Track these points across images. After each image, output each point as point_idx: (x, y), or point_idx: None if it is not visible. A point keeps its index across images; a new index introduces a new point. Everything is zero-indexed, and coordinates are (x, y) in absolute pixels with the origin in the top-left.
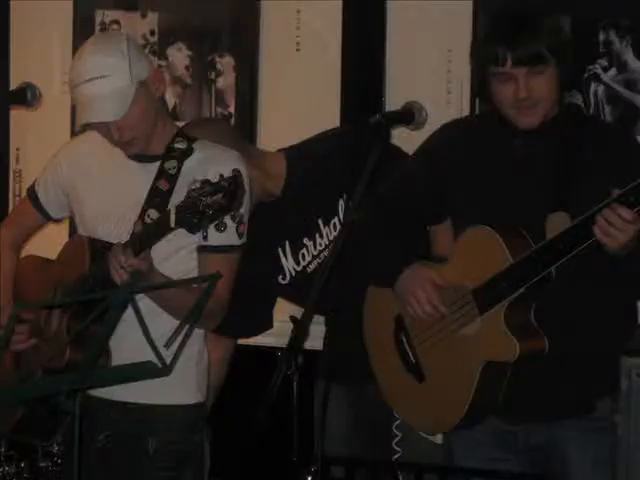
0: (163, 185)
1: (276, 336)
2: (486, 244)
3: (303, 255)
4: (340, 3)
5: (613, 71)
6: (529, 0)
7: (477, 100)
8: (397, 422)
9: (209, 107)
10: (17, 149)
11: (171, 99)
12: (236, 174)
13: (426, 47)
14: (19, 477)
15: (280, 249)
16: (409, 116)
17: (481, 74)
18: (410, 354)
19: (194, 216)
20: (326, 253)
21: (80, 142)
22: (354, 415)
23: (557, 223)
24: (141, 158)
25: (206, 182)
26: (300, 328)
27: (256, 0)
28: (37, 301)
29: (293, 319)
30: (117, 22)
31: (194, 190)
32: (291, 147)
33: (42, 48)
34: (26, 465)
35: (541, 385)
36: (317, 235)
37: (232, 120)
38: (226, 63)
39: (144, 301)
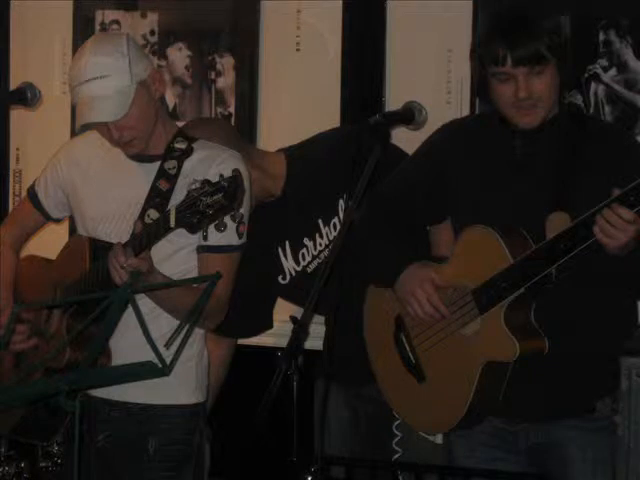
0: (163, 185)
1: (276, 336)
2: (486, 244)
3: (303, 255)
4: (340, 3)
5: (613, 71)
6: (529, 0)
7: (477, 100)
8: (397, 422)
9: (209, 107)
10: (17, 149)
11: (171, 99)
12: (236, 174)
13: (426, 47)
14: (19, 477)
15: (280, 249)
16: (409, 116)
17: (481, 74)
18: (410, 354)
19: (194, 216)
20: (326, 253)
21: (80, 142)
22: (354, 415)
23: (557, 223)
24: (141, 158)
25: (206, 182)
26: (300, 328)
27: (256, 0)
28: (37, 301)
29: (293, 319)
30: (117, 22)
31: (194, 190)
32: (291, 147)
33: (42, 48)
34: (26, 465)
35: (541, 385)
36: (317, 235)
37: (232, 120)
38: (226, 63)
39: (144, 301)
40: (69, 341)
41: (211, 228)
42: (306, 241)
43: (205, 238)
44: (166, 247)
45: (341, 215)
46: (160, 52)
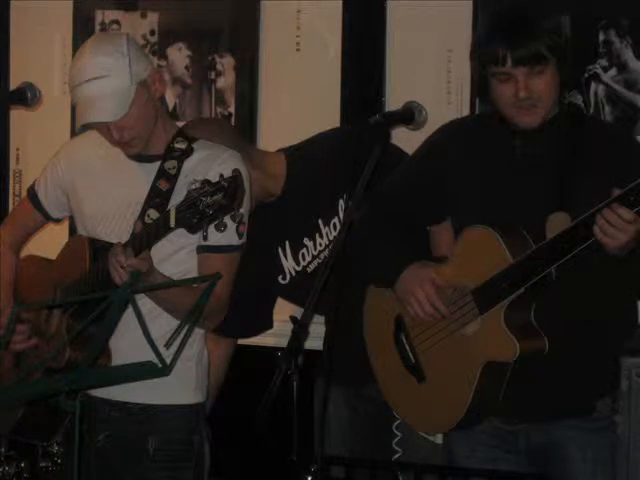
0: (163, 185)
1: (276, 336)
2: (486, 244)
3: (303, 255)
4: (340, 3)
5: (613, 71)
6: (529, 0)
7: (477, 100)
8: (397, 422)
9: (209, 107)
10: (17, 149)
11: (171, 99)
12: (236, 174)
13: (426, 47)
14: (19, 477)
15: (280, 249)
16: (409, 116)
17: (481, 74)
18: (410, 354)
19: (194, 216)
20: (326, 253)
21: (80, 142)
22: (354, 415)
23: (557, 223)
24: (141, 158)
25: (206, 182)
26: (300, 328)
27: (256, 0)
28: (37, 301)
29: (293, 319)
30: (117, 22)
31: (194, 190)
32: (291, 147)
33: (42, 48)
34: (26, 465)
35: (541, 385)
36: (317, 235)
37: (232, 120)
38: (226, 63)
39: (144, 301)
40: (69, 341)
41: (211, 228)
42: (306, 241)
43: (205, 238)
44: (166, 247)
45: (341, 215)
46: (160, 52)
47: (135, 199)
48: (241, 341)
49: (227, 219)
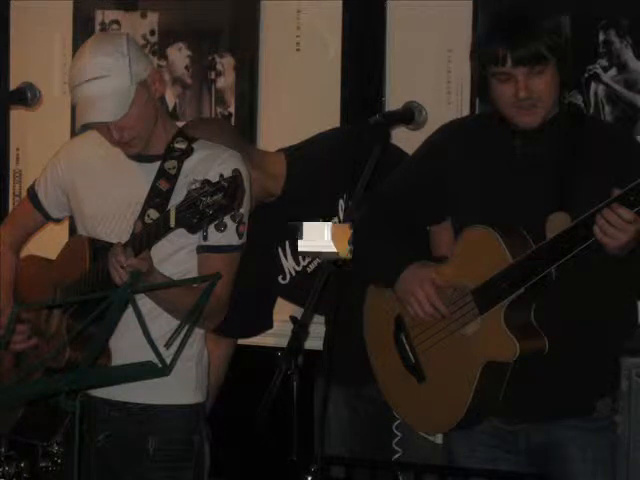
0: (163, 185)
1: (276, 336)
2: (486, 244)
3: (303, 255)
4: (340, 3)
5: (613, 71)
6: (529, 0)
7: (477, 100)
8: (397, 422)
9: (209, 107)
10: (17, 149)
11: (171, 99)
12: (236, 174)
13: (426, 47)
14: (19, 477)
15: (280, 249)
16: (409, 116)
17: (481, 74)
18: (410, 354)
19: (194, 216)
20: None
21: (80, 142)
22: (354, 415)
23: (557, 223)
24: (141, 158)
25: (206, 182)
26: (300, 328)
27: (256, 0)
28: (37, 301)
29: (293, 319)
30: (117, 22)
31: (194, 190)
32: (291, 147)
33: (42, 48)
34: (26, 465)
35: (541, 385)
36: None
37: (232, 120)
38: (226, 63)
39: (144, 301)
40: (69, 341)
41: (211, 228)
42: None
43: (205, 238)
44: (166, 247)
45: (341, 215)
46: (160, 52)
47: (135, 199)
48: (241, 341)
49: (227, 219)
